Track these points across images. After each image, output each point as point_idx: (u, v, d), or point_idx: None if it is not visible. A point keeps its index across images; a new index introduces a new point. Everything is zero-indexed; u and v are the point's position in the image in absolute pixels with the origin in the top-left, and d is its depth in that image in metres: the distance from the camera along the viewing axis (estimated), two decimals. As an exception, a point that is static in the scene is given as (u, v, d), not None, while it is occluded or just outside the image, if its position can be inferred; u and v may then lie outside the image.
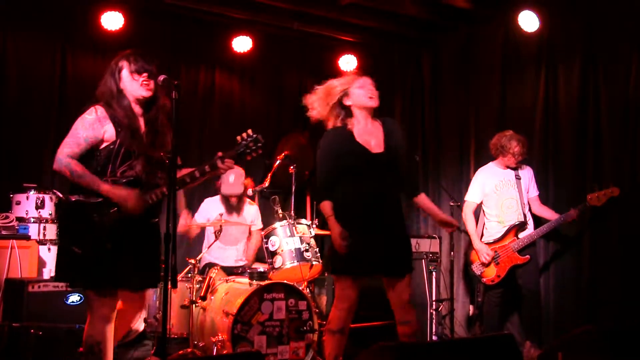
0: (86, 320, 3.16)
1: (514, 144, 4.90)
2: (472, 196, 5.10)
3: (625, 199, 4.65)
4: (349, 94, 3.61)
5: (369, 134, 3.60)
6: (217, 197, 5.37)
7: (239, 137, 3.19)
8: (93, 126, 3.11)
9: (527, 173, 5.08)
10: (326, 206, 3.55)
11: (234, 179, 5.18)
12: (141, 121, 3.23)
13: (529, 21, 5.30)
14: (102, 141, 3.13)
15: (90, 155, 3.14)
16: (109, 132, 3.12)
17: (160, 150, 3.22)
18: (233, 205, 5.28)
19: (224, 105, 6.58)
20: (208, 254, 5.10)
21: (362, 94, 3.60)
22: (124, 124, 3.14)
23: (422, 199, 3.76)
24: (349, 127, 3.59)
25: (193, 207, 5.94)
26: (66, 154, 3.10)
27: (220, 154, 3.18)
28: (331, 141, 3.60)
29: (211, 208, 5.27)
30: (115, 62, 3.23)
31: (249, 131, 3.20)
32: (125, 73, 3.18)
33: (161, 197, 3.14)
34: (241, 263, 5.25)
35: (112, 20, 5.61)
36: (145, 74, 3.15)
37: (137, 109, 3.24)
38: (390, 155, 3.59)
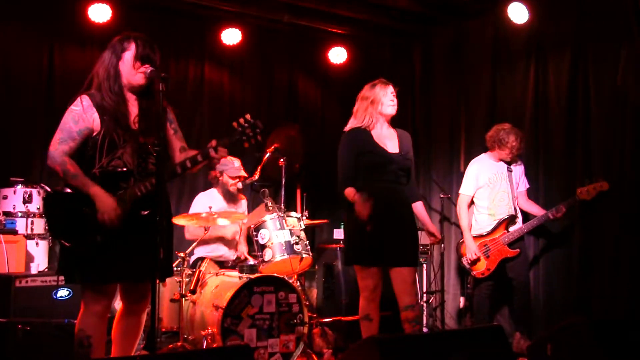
0: (79, 314, 3.13)
1: (512, 138, 4.89)
2: (466, 189, 5.09)
3: (614, 191, 4.66)
4: (376, 101, 3.98)
5: (385, 137, 3.99)
6: (212, 190, 5.32)
7: (235, 123, 3.08)
8: (82, 117, 3.05)
9: (519, 168, 5.09)
10: (350, 191, 3.84)
11: (239, 163, 5.20)
12: (133, 107, 3.16)
13: (518, 13, 5.30)
14: (93, 131, 3.07)
15: (82, 146, 3.10)
16: (96, 121, 3.06)
17: (153, 135, 3.09)
18: (233, 195, 5.24)
19: (213, 98, 6.54)
20: (199, 249, 5.07)
21: (386, 102, 3.97)
22: (109, 110, 3.06)
23: (419, 206, 4.15)
24: (370, 129, 3.97)
25: (183, 204, 5.93)
26: (62, 151, 3.04)
27: (214, 142, 3.08)
28: (352, 140, 3.96)
29: (207, 201, 5.15)
30: (120, 41, 3.14)
31: (247, 116, 3.09)
32: (128, 55, 3.11)
33: (150, 188, 3.04)
34: (233, 257, 5.23)
35: (99, 13, 5.56)
36: (147, 64, 3.09)
37: (130, 95, 3.16)
38: (403, 157, 3.98)
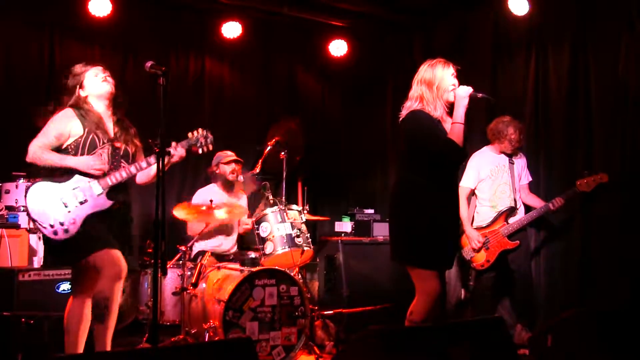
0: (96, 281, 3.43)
1: (510, 130, 4.89)
2: (466, 181, 5.09)
3: (615, 181, 4.66)
4: (441, 87, 3.47)
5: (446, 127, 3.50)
6: (211, 185, 5.32)
7: (190, 133, 3.59)
8: (61, 121, 3.50)
9: (521, 161, 5.08)
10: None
11: (230, 153, 5.27)
12: (108, 118, 3.63)
13: (519, 5, 5.29)
14: (69, 137, 3.49)
15: (62, 151, 3.51)
16: (75, 127, 3.48)
17: (125, 142, 3.61)
18: (233, 184, 5.25)
19: (214, 91, 6.54)
20: (200, 243, 5.07)
21: (449, 88, 3.49)
22: (91, 116, 3.53)
23: None
24: (435, 115, 3.45)
25: (182, 201, 5.93)
26: (36, 144, 3.49)
27: (173, 143, 3.54)
28: (429, 117, 3.40)
29: (207, 195, 5.15)
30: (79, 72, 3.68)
31: (200, 130, 3.64)
32: (88, 78, 3.64)
33: (120, 179, 3.47)
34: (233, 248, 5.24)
35: (100, 7, 5.56)
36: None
37: (102, 107, 3.62)
38: (465, 152, 3.60)
